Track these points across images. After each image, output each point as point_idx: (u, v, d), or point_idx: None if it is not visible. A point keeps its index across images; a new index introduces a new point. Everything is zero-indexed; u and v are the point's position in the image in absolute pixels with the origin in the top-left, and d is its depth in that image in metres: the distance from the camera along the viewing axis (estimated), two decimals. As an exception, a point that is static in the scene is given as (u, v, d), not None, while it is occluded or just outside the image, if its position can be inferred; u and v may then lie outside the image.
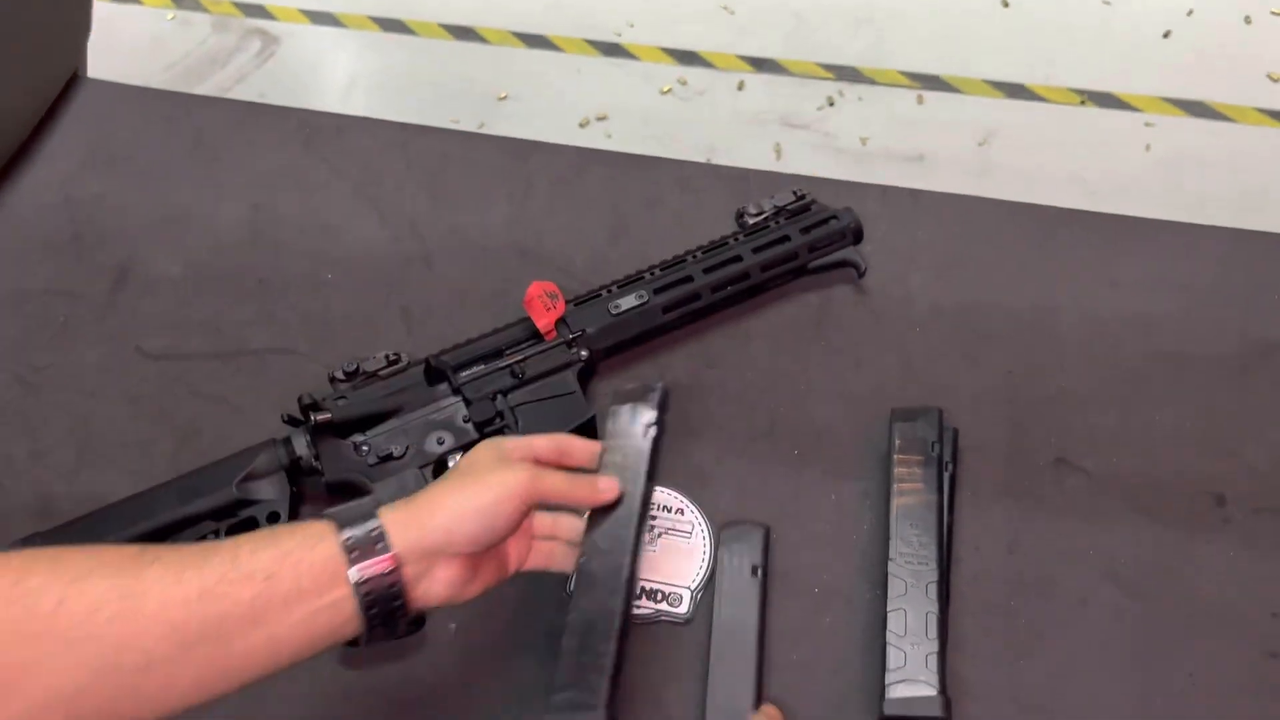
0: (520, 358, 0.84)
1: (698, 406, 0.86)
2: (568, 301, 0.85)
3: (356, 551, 0.56)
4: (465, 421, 0.82)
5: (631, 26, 2.39)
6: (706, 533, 0.79)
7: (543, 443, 0.68)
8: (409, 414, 0.82)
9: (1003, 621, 0.74)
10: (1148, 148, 2.12)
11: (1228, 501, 0.79)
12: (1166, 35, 2.27)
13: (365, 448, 0.81)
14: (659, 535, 0.79)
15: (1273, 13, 2.26)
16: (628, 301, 0.86)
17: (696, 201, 0.98)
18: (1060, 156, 2.11)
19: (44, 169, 1.03)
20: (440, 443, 0.81)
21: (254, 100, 1.95)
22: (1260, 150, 2.11)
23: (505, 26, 2.29)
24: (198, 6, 2.34)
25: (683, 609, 0.76)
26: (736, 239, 0.89)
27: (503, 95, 2.15)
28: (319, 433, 0.80)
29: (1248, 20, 2.28)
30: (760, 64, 2.34)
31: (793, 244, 0.89)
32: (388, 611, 0.57)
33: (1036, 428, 0.83)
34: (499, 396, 0.82)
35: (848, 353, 0.88)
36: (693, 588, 0.77)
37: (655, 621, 0.76)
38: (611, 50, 2.36)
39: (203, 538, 0.76)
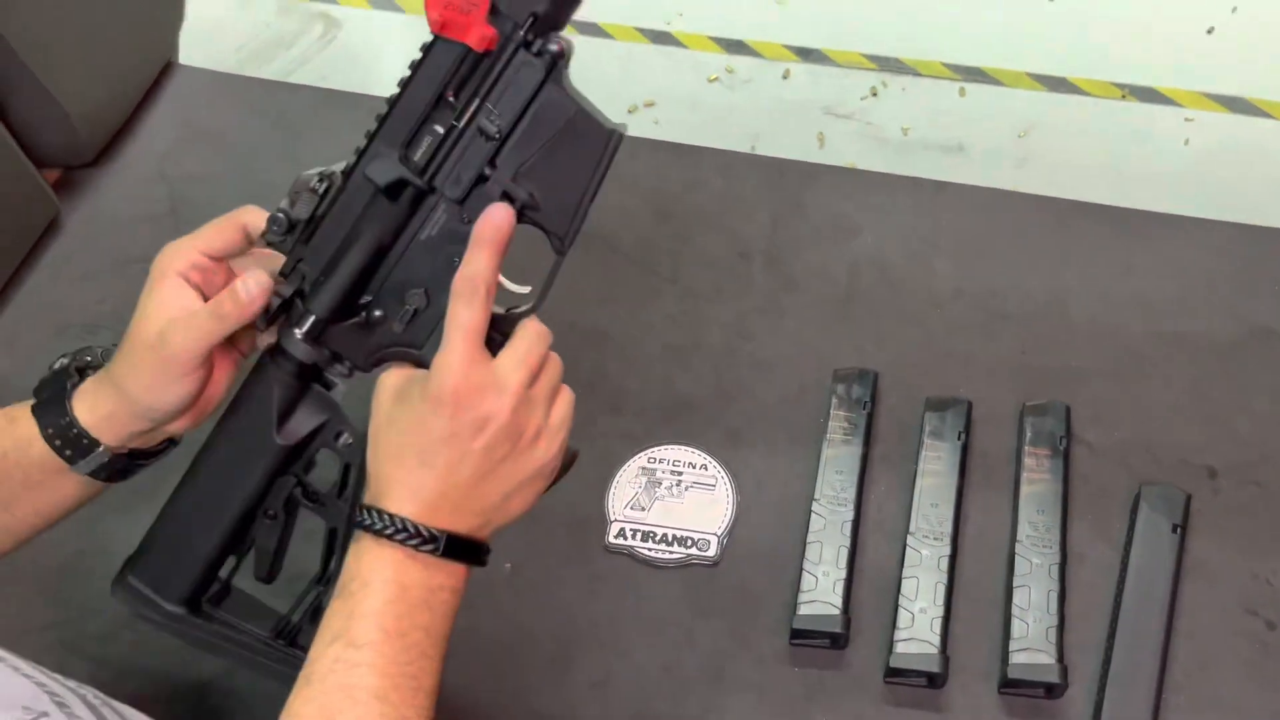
0: (478, 103, 0.59)
1: (731, 373, 0.94)
2: None
3: (67, 450, 0.64)
4: (467, 223, 0.60)
5: (681, 16, 2.46)
6: (729, 485, 0.87)
7: (206, 238, 0.63)
8: (398, 246, 0.61)
9: (1001, 576, 0.82)
10: (1186, 142, 2.16)
11: (1219, 474, 0.86)
12: (1210, 31, 2.30)
13: (378, 313, 0.62)
14: (685, 489, 0.87)
15: (1315, 11, 2.28)
16: None
17: (736, 188, 1.06)
18: (1099, 149, 2.15)
19: (142, 148, 1.13)
20: (458, 262, 0.59)
21: (318, 83, 2.06)
22: (1299, 146, 2.14)
23: (559, 14, 2.37)
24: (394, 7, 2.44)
25: (711, 552, 0.84)
26: None
27: (555, 81, 2.22)
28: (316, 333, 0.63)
29: (1291, 18, 2.30)
30: (806, 54, 2.41)
31: None
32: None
33: (1044, 404, 0.90)
34: (489, 174, 0.60)
35: (871, 328, 0.96)
36: (720, 534, 0.85)
37: (687, 565, 0.84)
38: (661, 38, 2.44)
39: (290, 494, 0.67)
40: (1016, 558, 0.81)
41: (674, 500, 0.87)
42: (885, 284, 0.99)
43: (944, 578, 0.80)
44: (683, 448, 0.90)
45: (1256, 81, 2.23)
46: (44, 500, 0.66)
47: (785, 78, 2.39)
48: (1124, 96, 2.28)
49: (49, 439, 0.63)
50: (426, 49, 0.60)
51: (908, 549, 0.82)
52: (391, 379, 0.61)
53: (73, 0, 1.03)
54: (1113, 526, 0.84)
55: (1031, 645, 0.77)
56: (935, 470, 0.85)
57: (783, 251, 1.01)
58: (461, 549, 0.59)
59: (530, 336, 0.60)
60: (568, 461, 0.64)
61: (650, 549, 0.85)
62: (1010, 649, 0.77)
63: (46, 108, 1.02)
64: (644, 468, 0.89)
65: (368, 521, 0.58)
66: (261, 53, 2.28)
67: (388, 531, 0.57)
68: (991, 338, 0.95)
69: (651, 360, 0.95)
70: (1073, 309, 0.96)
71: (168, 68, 1.18)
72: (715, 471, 0.88)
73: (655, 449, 0.90)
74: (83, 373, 0.66)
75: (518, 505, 0.61)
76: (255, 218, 0.63)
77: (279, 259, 0.63)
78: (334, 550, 0.67)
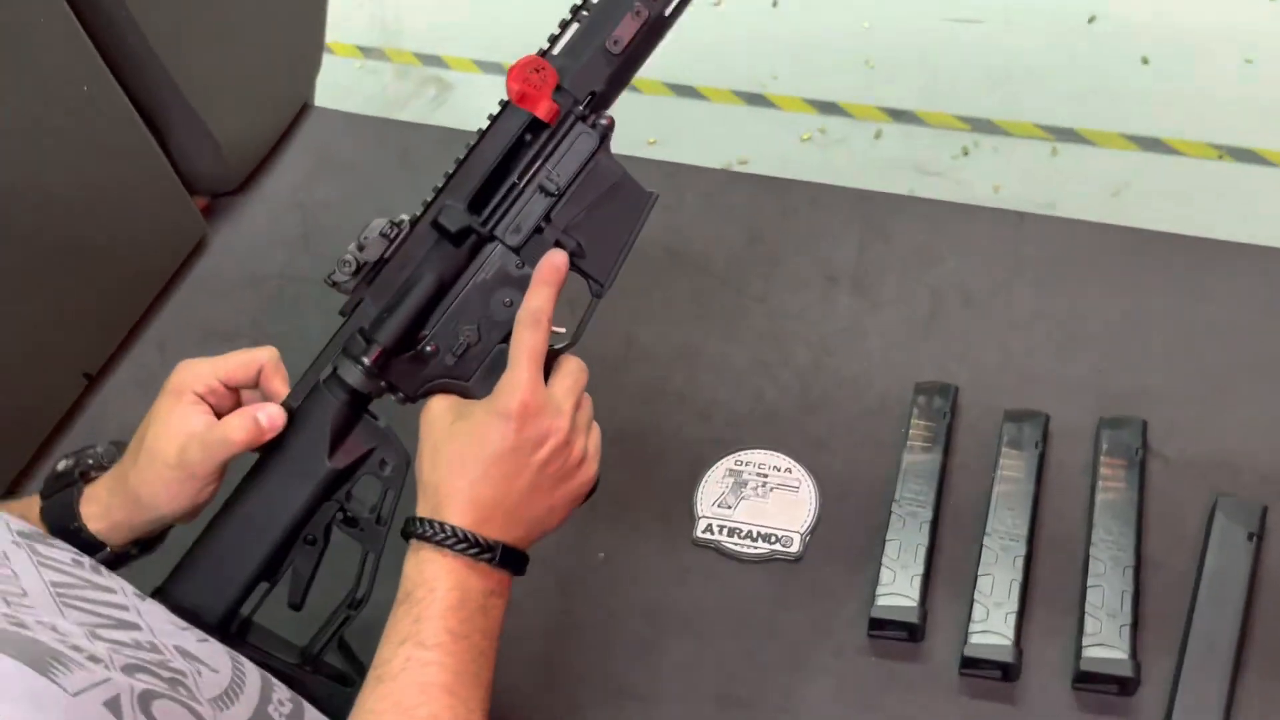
0: (538, 165, 0.69)
1: (816, 387, 0.99)
2: (547, 58, 0.68)
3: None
4: (521, 268, 0.69)
5: (775, 79, 2.55)
6: (812, 487, 0.92)
7: (229, 369, 0.68)
8: (456, 287, 0.69)
9: (1076, 578, 0.85)
10: (1286, 201, 2.15)
11: (1297, 490, 0.88)
12: (1310, 93, 2.30)
13: (431, 348, 0.69)
14: (770, 489, 0.92)
15: None
16: (627, 28, 0.68)
17: (825, 216, 1.12)
18: (1195, 209, 2.15)
19: (279, 180, 1.24)
20: (508, 304, 0.69)
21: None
22: (1402, 205, 2.11)
23: (658, 77, 2.49)
24: (383, 56, 2.61)
25: (794, 549, 0.89)
26: None
27: (652, 140, 2.33)
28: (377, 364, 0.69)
29: (1392, 78, 2.28)
30: (898, 115, 2.47)
31: None
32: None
33: (1121, 417, 0.93)
34: (545, 226, 0.70)
35: (953, 348, 1.00)
36: (802, 531, 0.90)
37: (770, 559, 0.89)
38: (755, 100, 2.53)
39: (330, 520, 0.71)
40: (1091, 559, 0.84)
41: (759, 500, 0.92)
42: (966, 307, 1.03)
43: (1019, 575, 0.83)
44: (768, 452, 0.95)
45: (1360, 142, 2.21)
46: None
47: (877, 137, 2.45)
48: (1220, 157, 2.28)
49: (59, 539, 0.66)
50: (496, 116, 0.69)
51: (984, 549, 0.85)
52: (443, 402, 0.68)
53: (228, 44, 1.16)
54: (1189, 536, 0.86)
55: (1105, 642, 0.79)
56: (1012, 477, 0.89)
57: (868, 276, 1.07)
58: (510, 558, 0.66)
59: (575, 370, 0.69)
60: (592, 489, 0.71)
61: (736, 544, 0.90)
62: (1084, 644, 0.80)
63: (202, 139, 1.14)
64: (731, 469, 0.94)
65: (429, 533, 0.64)
66: (380, 113, 2.44)
67: (449, 542, 0.64)
68: (1070, 358, 0.98)
69: (740, 374, 1.01)
70: (1151, 332, 0.99)
71: (305, 108, 1.30)
72: (799, 474, 0.93)
73: (742, 453, 0.95)
74: (85, 475, 0.70)
75: (554, 522, 0.69)
76: (270, 358, 0.70)
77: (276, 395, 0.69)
78: (364, 574, 0.71)
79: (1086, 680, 0.79)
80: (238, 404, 0.70)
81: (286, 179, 1.24)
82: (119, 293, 1.10)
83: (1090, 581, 0.83)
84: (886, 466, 0.92)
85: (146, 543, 0.71)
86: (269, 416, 0.67)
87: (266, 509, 0.69)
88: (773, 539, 0.90)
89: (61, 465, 0.71)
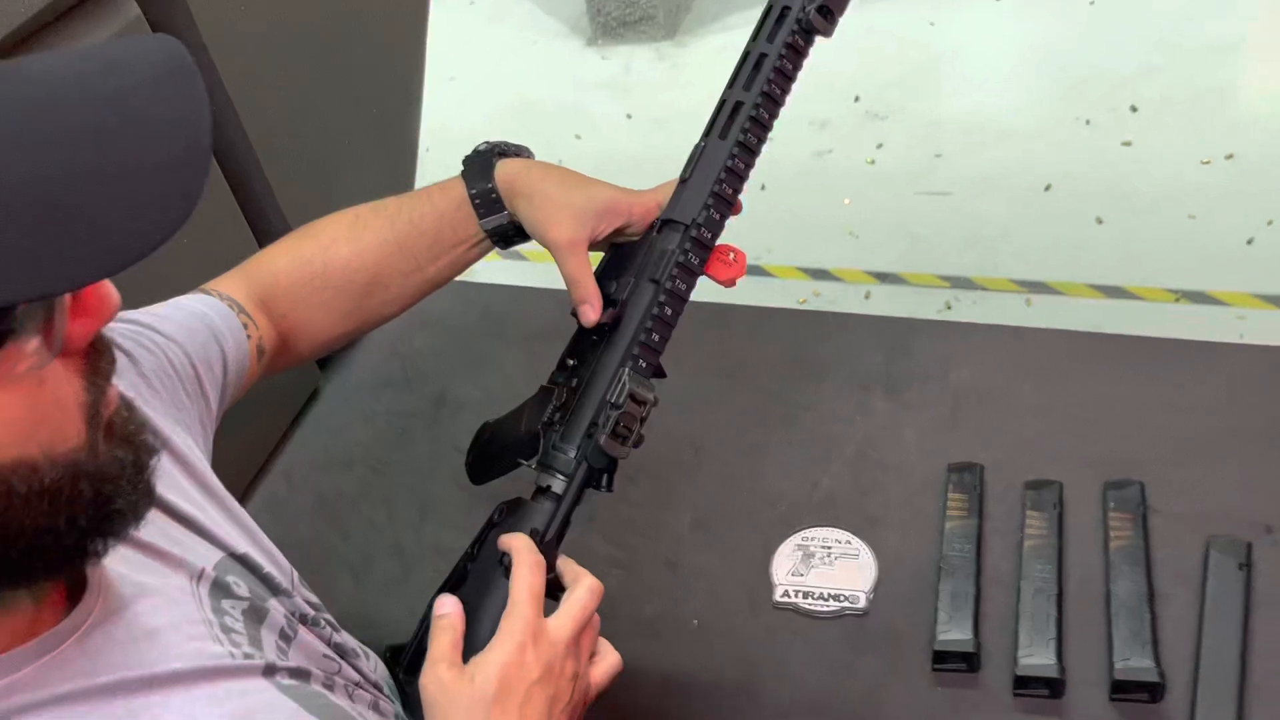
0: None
1: (864, 475, 1.17)
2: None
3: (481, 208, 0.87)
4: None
5: (770, 251, 2.82)
6: (871, 554, 1.09)
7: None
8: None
9: (1102, 610, 1.01)
10: (1241, 336, 2.38)
11: (1275, 529, 1.05)
12: (1250, 242, 2.58)
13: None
14: (835, 558, 1.09)
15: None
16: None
17: (854, 338, 1.32)
18: (1160, 345, 2.39)
19: (380, 333, 1.44)
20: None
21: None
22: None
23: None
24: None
25: (861, 604, 1.05)
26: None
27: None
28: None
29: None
30: (883, 277, 2.73)
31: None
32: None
33: (1122, 480, 1.11)
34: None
35: (975, 437, 1.19)
36: (867, 590, 1.06)
37: (841, 615, 1.05)
38: (753, 271, 2.79)
39: None
40: (1111, 595, 1.00)
41: (826, 567, 1.08)
42: (983, 404, 1.22)
43: (1054, 611, 0.99)
44: (829, 528, 1.12)
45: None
46: (459, 256, 0.91)
47: (867, 298, 2.70)
48: (1177, 299, 2.53)
49: (471, 198, 0.87)
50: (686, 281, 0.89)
51: (1020, 592, 1.01)
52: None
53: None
54: (1191, 570, 1.02)
55: (1132, 657, 0.95)
56: (1038, 534, 1.06)
57: (897, 383, 1.26)
58: None
59: (584, 598, 0.78)
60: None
61: (811, 604, 1.05)
62: (1115, 661, 0.95)
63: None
64: (799, 544, 1.11)
65: None
66: (463, 276, 2.67)
67: None
68: (1074, 437, 1.17)
69: (798, 468, 1.19)
70: (1139, 414, 1.18)
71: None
72: (858, 545, 1.10)
73: (807, 530, 1.12)
74: (504, 154, 0.89)
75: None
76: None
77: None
78: None
79: (1121, 690, 0.94)
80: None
81: (385, 332, 1.44)
82: (251, 436, 1.28)
83: (1113, 611, 0.99)
84: (932, 533, 1.09)
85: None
86: (585, 316, 0.85)
87: None
88: (842, 598, 1.05)
89: (483, 146, 0.89)
